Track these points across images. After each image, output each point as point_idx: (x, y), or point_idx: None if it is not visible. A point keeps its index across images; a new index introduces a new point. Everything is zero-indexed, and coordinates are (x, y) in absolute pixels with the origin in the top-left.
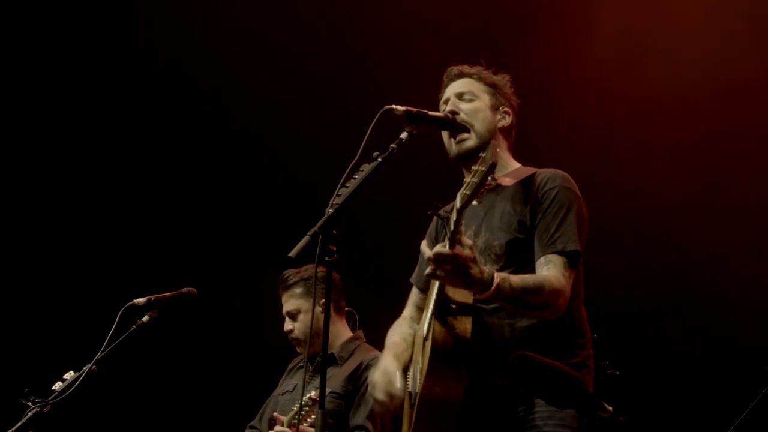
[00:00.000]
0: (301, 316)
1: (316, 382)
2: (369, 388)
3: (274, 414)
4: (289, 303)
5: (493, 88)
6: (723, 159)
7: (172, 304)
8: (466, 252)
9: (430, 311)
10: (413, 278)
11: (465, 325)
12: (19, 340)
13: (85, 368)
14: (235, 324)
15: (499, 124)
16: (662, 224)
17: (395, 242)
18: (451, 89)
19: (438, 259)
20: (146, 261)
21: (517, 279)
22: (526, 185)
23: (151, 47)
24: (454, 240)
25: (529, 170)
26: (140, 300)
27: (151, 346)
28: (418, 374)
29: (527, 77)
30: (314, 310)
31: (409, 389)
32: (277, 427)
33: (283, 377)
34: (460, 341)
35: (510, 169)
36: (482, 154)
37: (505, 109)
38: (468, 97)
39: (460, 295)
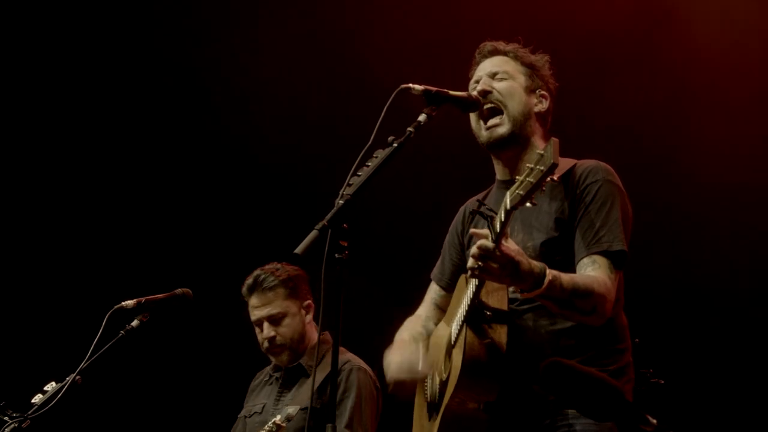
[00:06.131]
0: (287, 320)
1: (287, 398)
2: (384, 368)
3: None
4: (272, 306)
5: (530, 69)
6: None
7: (165, 307)
8: (514, 247)
9: (460, 317)
10: (434, 274)
11: (500, 334)
12: None
13: (69, 379)
14: (235, 329)
15: (536, 109)
16: (713, 212)
17: (411, 236)
18: (484, 68)
19: (484, 255)
20: (136, 259)
21: (567, 278)
22: (565, 179)
23: (144, 47)
24: (500, 243)
25: (568, 162)
26: (129, 302)
27: (141, 353)
28: (438, 384)
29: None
30: (321, 313)
31: (427, 399)
32: None
33: (247, 397)
34: (495, 352)
35: None
36: (540, 152)
37: (542, 92)
38: (502, 76)
39: (495, 300)
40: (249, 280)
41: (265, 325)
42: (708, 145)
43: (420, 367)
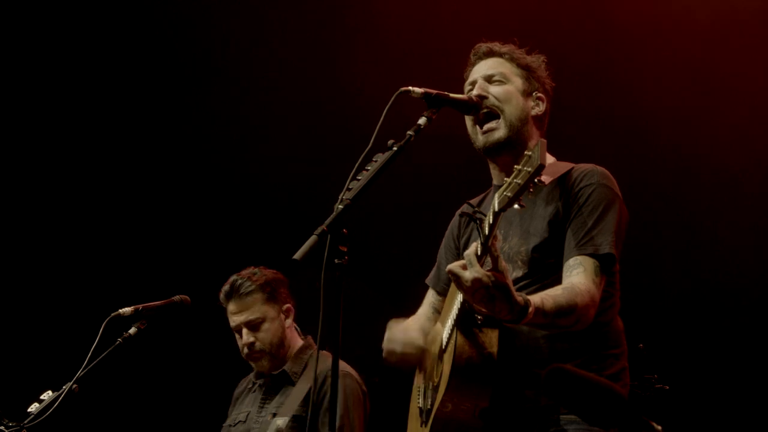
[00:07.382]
0: (266, 326)
1: (270, 406)
2: (384, 342)
3: None
4: (250, 311)
5: (527, 71)
6: None
7: (163, 314)
8: (503, 265)
9: (450, 321)
10: (429, 280)
11: (491, 338)
12: None
13: (65, 387)
14: (233, 336)
15: (533, 112)
16: (718, 215)
17: (409, 241)
18: (479, 70)
19: (476, 281)
20: (133, 266)
21: (550, 304)
22: (561, 183)
23: (141, 50)
24: (488, 247)
25: (565, 166)
26: (126, 309)
27: (138, 361)
28: (430, 389)
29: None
30: (321, 319)
31: (419, 405)
32: None
33: (232, 405)
34: (486, 357)
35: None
36: (528, 153)
37: (539, 94)
38: (498, 79)
39: None
40: (226, 287)
41: (244, 331)
42: (718, 146)
43: (419, 343)
